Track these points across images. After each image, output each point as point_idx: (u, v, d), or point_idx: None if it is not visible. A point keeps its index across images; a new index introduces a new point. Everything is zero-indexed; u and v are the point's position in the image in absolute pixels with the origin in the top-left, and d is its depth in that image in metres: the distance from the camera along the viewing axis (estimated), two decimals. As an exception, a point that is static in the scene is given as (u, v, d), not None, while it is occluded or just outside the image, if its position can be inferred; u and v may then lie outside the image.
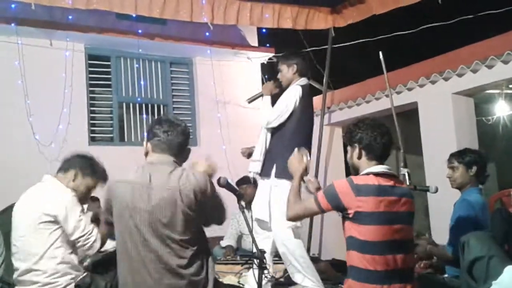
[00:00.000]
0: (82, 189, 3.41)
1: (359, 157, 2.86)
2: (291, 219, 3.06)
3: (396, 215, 2.74)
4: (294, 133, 4.18)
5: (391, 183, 2.78)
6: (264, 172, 4.22)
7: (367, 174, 2.80)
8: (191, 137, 7.03)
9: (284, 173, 4.06)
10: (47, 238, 3.16)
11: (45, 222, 3.16)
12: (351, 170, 3.00)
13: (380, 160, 2.85)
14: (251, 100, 4.55)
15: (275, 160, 4.16)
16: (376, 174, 2.77)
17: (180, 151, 2.87)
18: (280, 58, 4.52)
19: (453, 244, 3.61)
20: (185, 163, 2.96)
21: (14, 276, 3.24)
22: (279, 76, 4.44)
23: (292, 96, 4.20)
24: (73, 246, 3.28)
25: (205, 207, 2.76)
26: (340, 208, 2.76)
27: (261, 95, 4.47)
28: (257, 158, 4.27)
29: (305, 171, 3.20)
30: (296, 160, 3.22)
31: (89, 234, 3.25)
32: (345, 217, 2.79)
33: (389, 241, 2.70)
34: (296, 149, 3.35)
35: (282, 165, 4.07)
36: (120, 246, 2.75)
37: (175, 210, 2.66)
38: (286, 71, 4.37)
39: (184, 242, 2.68)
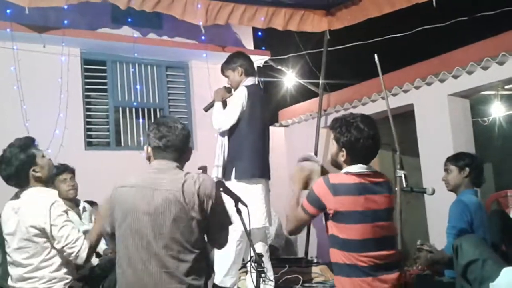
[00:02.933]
0: (46, 165, 3.30)
1: (342, 156, 2.86)
2: (291, 232, 3.04)
3: (376, 213, 2.76)
4: (247, 134, 4.29)
5: (370, 180, 2.81)
6: (226, 176, 4.28)
7: (346, 173, 2.83)
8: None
9: (243, 175, 4.17)
10: (40, 249, 3.14)
11: (35, 235, 3.12)
12: (332, 163, 2.99)
13: (363, 162, 2.85)
14: (207, 109, 4.66)
15: (234, 162, 4.26)
16: (356, 174, 2.80)
17: (181, 154, 2.86)
18: (224, 64, 4.58)
19: (451, 244, 3.63)
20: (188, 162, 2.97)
21: (10, 282, 3.22)
22: (228, 82, 4.55)
23: (237, 98, 4.30)
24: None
25: (211, 213, 2.74)
26: (322, 208, 2.79)
27: (214, 102, 4.54)
28: (216, 164, 4.34)
29: (307, 184, 3.09)
30: (299, 171, 3.10)
31: (73, 243, 3.13)
32: (327, 217, 2.82)
33: (371, 239, 2.73)
34: (302, 158, 3.32)
35: (241, 166, 4.19)
36: (122, 250, 2.74)
37: (178, 212, 2.65)
38: (233, 75, 4.48)
39: (187, 245, 2.66)
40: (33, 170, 3.25)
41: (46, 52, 6.17)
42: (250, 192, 4.15)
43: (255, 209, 4.10)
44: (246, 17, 6.55)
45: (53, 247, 3.15)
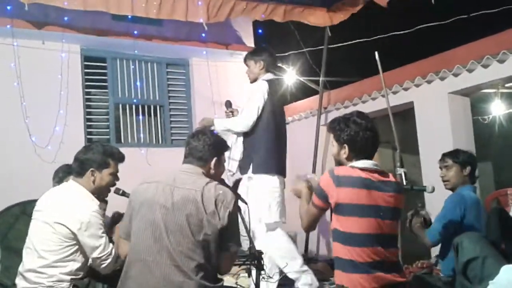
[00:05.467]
0: (106, 181, 3.38)
1: (344, 153, 2.88)
2: (306, 229, 3.09)
3: (379, 209, 2.76)
4: (266, 128, 4.30)
5: (375, 177, 2.81)
6: (242, 170, 4.32)
7: (351, 167, 2.84)
8: (183, 138, 7.09)
9: (260, 168, 4.19)
10: (62, 249, 3.16)
11: (64, 235, 3.15)
12: (335, 164, 3.01)
13: (365, 156, 2.87)
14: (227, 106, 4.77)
15: (251, 157, 4.27)
16: (361, 169, 2.80)
17: (203, 162, 2.96)
18: (248, 53, 4.65)
19: (435, 231, 3.65)
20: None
21: (20, 268, 3.23)
22: (246, 71, 4.59)
23: (260, 92, 4.30)
24: (86, 260, 3.26)
25: (224, 225, 2.78)
26: (327, 200, 2.81)
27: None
28: (231, 157, 4.34)
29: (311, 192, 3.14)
30: (300, 185, 3.16)
31: (107, 256, 3.23)
32: (331, 210, 2.83)
33: (371, 234, 2.73)
34: (308, 175, 3.36)
35: (258, 160, 4.21)
36: (134, 240, 2.80)
37: (194, 211, 2.71)
38: (254, 66, 4.53)
39: (197, 244, 2.70)
40: (92, 172, 3.32)
41: (46, 49, 6.17)
42: (266, 186, 4.17)
43: (270, 204, 4.11)
44: (246, 11, 6.58)
45: (76, 252, 3.18)
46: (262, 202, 4.14)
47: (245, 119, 4.29)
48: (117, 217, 3.59)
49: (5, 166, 5.72)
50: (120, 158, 3.45)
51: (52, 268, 3.14)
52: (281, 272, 4.30)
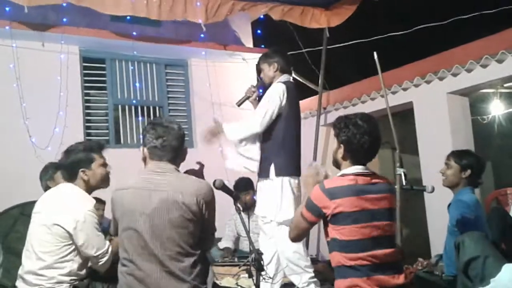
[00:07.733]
0: (100, 173, 3.39)
1: (340, 153, 2.87)
2: (293, 240, 3.04)
3: (374, 213, 2.76)
4: (286, 131, 4.26)
5: (368, 181, 2.81)
6: (263, 173, 4.25)
7: (341, 175, 2.84)
8: (187, 138, 7.09)
9: (283, 171, 4.15)
10: (59, 250, 3.17)
11: (61, 235, 3.16)
12: (332, 163, 3.00)
13: (361, 161, 2.86)
14: (240, 103, 4.67)
15: (272, 160, 4.21)
16: (353, 174, 2.80)
17: (177, 154, 2.87)
18: (261, 57, 4.60)
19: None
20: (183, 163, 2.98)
21: (20, 271, 3.25)
22: (261, 75, 4.56)
23: (275, 93, 4.25)
24: (84, 261, 3.27)
25: (206, 217, 2.78)
26: (321, 215, 2.80)
27: (248, 97, 4.58)
28: (256, 158, 4.30)
29: None
30: (311, 175, 3.02)
31: (104, 254, 3.24)
32: (326, 222, 2.83)
33: (369, 238, 2.73)
34: (313, 163, 3.29)
35: (280, 164, 4.16)
36: (123, 250, 2.77)
37: (176, 213, 2.67)
38: (268, 69, 4.47)
39: (185, 246, 2.68)
40: (83, 172, 3.33)
41: (45, 50, 6.16)
42: (292, 188, 4.15)
43: (290, 204, 4.10)
44: (245, 9, 6.61)
45: (73, 251, 3.20)
46: (284, 203, 4.13)
47: (259, 121, 4.20)
48: None
49: (5, 167, 5.70)
50: (100, 146, 3.46)
51: (51, 269, 3.15)
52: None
